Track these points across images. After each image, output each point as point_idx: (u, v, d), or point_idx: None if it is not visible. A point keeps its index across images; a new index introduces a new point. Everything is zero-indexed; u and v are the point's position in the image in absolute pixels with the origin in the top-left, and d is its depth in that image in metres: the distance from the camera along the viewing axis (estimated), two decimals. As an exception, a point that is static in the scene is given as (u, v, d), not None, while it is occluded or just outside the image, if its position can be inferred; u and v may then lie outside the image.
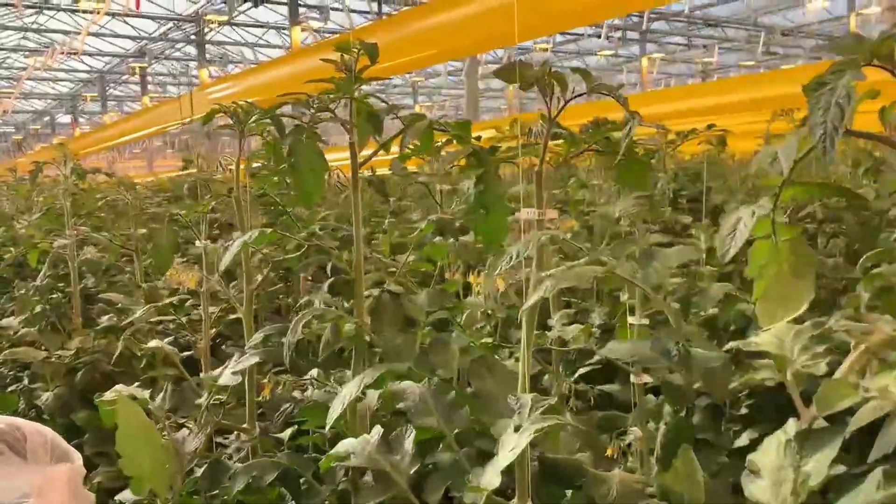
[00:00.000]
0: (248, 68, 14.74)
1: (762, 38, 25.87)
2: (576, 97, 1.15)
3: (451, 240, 1.78)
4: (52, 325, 3.84)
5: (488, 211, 1.51)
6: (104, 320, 3.58)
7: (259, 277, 1.93)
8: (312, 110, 1.52)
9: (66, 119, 39.67)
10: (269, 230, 1.69)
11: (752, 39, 28.22)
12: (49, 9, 22.38)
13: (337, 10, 19.42)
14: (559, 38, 27.12)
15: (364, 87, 1.62)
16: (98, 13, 16.84)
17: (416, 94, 35.65)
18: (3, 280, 4.74)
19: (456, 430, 1.28)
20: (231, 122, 1.96)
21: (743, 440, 2.54)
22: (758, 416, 2.57)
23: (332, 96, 1.57)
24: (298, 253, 1.86)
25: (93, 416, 3.52)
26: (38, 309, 3.80)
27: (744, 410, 2.62)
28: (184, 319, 2.82)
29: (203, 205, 2.11)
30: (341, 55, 1.60)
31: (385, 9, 19.76)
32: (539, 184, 1.20)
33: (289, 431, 1.97)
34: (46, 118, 40.73)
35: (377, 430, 1.23)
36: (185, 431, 1.96)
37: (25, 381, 3.83)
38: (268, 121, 1.87)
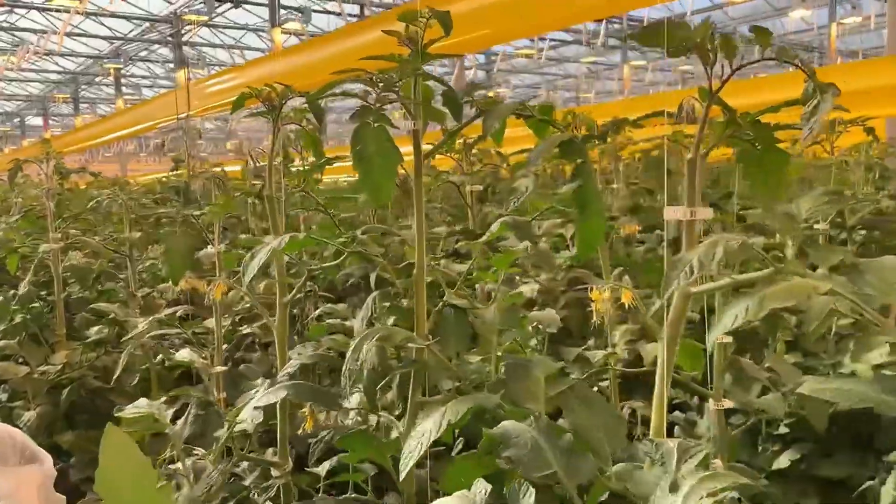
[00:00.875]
0: (253, 59, 14.01)
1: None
2: (745, 66, 0.92)
3: (527, 244, 1.53)
4: (34, 337, 3.52)
5: (584, 210, 1.27)
6: (93, 332, 3.28)
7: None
8: (379, 89, 1.27)
9: (37, 121, 38.82)
10: (303, 235, 1.44)
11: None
12: (21, 7, 21.78)
13: (318, 12, 19.12)
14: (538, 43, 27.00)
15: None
16: (74, 12, 16.35)
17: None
18: (-23, 287, 4.40)
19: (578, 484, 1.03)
20: (257, 110, 1.71)
21: (783, 461, 2.33)
22: (798, 435, 2.36)
23: (396, 75, 1.32)
24: (337, 261, 1.60)
25: (80, 437, 3.22)
26: (17, 319, 3.49)
27: (782, 430, 2.41)
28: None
29: (225, 203, 1.85)
30: (406, 26, 1.35)
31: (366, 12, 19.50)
32: (693, 176, 0.97)
33: (326, 466, 1.71)
34: (16, 120, 39.80)
35: (482, 487, 0.98)
36: (203, 465, 1.69)
37: (3, 399, 3.51)
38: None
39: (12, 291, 3.68)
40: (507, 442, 1.03)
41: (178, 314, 2.64)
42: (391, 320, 1.56)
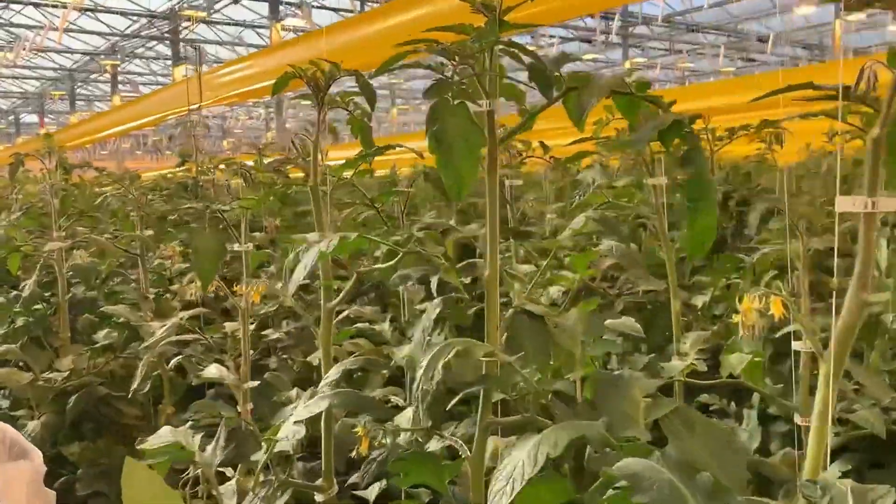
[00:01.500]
0: (265, 48, 13.32)
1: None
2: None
3: (614, 244, 1.35)
4: (37, 341, 3.33)
5: (696, 204, 1.09)
6: (100, 336, 3.09)
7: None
8: (456, 61, 1.09)
9: (32, 119, 38.52)
10: (354, 235, 1.26)
11: (731, 46, 28.26)
12: (16, 2, 21.51)
13: (318, 8, 18.91)
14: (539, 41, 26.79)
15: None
16: (72, 7, 16.10)
17: (394, 98, 35.23)
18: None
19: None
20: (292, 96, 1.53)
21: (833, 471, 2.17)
22: (846, 443, 2.20)
23: (475, 45, 1.13)
24: (391, 262, 1.42)
25: (87, 448, 3.03)
26: (19, 322, 3.29)
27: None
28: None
29: (264, 196, 1.66)
30: (482, -8, 1.17)
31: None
32: (878, 158, 0.79)
33: (376, 488, 1.52)
34: (10, 117, 39.48)
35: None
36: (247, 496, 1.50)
37: (3, 406, 3.32)
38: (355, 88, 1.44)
39: (14, 293, 3.48)
40: (637, 485, 0.85)
41: (194, 318, 2.45)
42: (443, 332, 1.38)
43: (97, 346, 2.86)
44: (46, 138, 3.92)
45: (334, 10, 21.00)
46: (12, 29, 24.05)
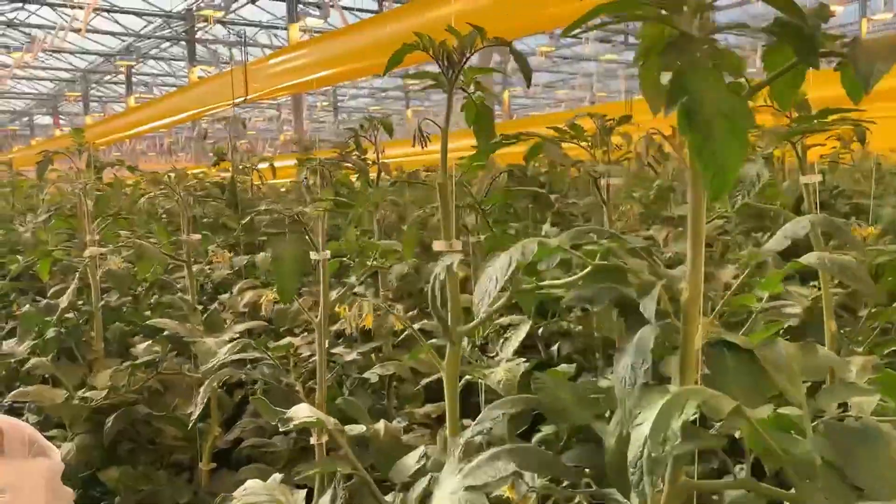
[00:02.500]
0: (314, 37, 12.51)
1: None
2: None
3: (826, 256, 1.05)
4: (69, 354, 3.06)
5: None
6: (141, 350, 2.81)
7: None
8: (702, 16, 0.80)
9: (45, 120, 38.51)
10: (554, 241, 0.98)
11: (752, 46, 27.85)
12: (32, 2, 21.38)
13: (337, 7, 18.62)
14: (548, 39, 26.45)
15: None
16: (90, 9, 15.90)
17: (409, 100, 35.01)
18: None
19: None
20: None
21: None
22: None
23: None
24: (573, 278, 1.12)
25: (126, 473, 2.76)
26: (50, 333, 3.03)
27: None
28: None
29: (378, 193, 1.38)
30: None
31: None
32: None
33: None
34: (25, 118, 39.49)
35: None
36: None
37: (31, 423, 3.06)
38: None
39: (44, 301, 3.22)
40: None
41: (256, 333, 2.18)
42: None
43: (139, 361, 2.58)
44: (76, 134, 3.66)
45: (348, 9, 20.76)
46: (28, 30, 23.94)
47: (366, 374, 2.39)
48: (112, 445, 2.79)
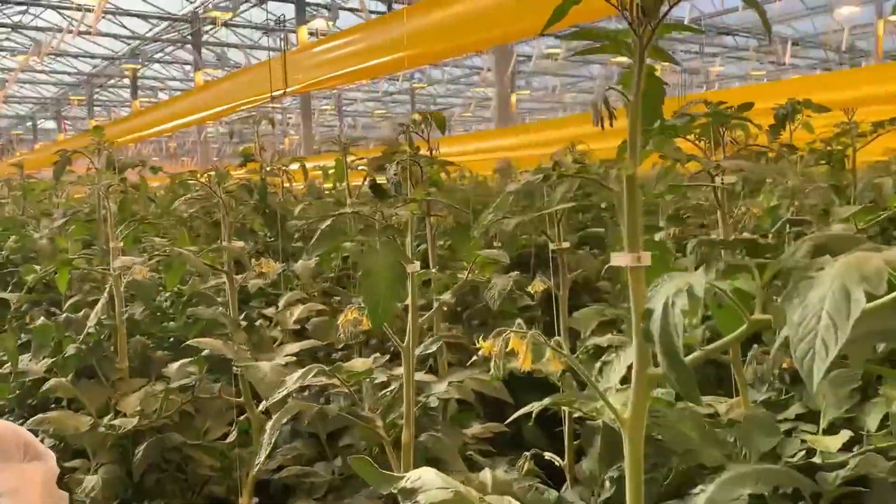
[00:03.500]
0: (372, 19, 11.51)
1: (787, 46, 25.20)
2: None
3: None
4: (90, 373, 2.77)
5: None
6: (173, 370, 2.52)
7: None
8: None
9: (49, 125, 38.30)
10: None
11: (761, 49, 27.59)
12: (36, 5, 21.14)
13: (346, 9, 18.39)
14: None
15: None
16: (97, 11, 15.63)
17: (414, 102, 34.74)
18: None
19: None
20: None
21: None
22: None
23: None
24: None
25: (158, 510, 2.48)
26: (70, 350, 2.74)
27: None
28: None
29: (505, 198, 1.09)
30: None
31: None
32: None
33: None
34: (28, 123, 39.24)
35: None
36: None
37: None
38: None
39: (63, 314, 2.93)
40: None
41: (310, 353, 1.89)
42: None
43: (173, 385, 2.29)
44: (96, 132, 3.38)
45: (353, 10, 20.45)
46: (31, 33, 23.69)
47: (422, 398, 2.11)
48: (144, 480, 2.50)
